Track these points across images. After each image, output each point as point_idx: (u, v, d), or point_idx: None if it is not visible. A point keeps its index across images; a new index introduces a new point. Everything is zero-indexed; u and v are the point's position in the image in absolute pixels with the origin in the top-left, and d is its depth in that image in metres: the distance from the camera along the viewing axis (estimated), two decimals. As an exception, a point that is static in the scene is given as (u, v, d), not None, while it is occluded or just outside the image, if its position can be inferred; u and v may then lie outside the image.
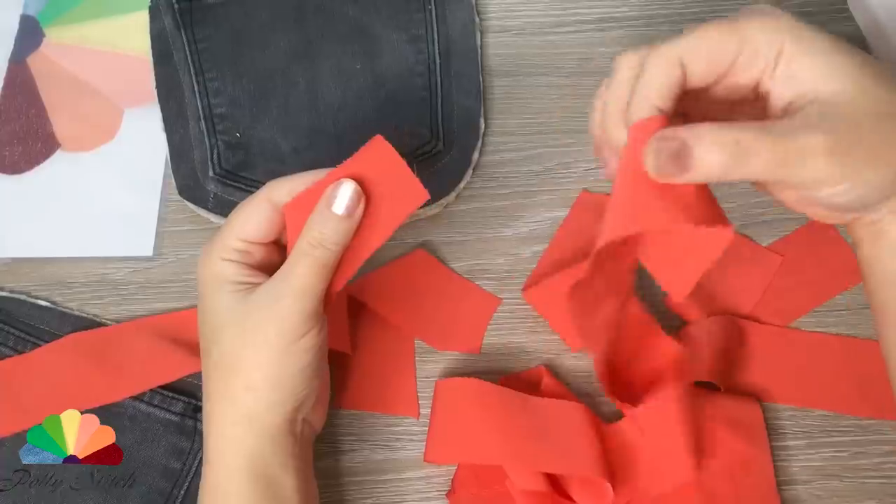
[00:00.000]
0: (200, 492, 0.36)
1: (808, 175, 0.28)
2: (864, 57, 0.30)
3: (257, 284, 0.35)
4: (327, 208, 0.34)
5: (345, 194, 0.34)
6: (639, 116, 0.30)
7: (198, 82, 0.50)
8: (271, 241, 0.37)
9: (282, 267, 0.35)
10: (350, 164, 0.36)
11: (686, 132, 0.28)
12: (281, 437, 0.35)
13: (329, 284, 0.36)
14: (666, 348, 0.41)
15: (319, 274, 0.34)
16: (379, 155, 0.35)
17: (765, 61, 0.30)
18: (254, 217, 0.36)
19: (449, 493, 0.42)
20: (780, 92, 0.30)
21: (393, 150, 0.35)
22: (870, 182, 0.29)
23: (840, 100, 0.29)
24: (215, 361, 0.36)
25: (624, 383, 0.41)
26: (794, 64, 0.30)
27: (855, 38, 0.52)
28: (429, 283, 0.46)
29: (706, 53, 0.30)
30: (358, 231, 0.35)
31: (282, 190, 0.36)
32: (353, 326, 0.45)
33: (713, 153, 0.28)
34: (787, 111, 0.30)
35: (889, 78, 0.30)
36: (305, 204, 0.35)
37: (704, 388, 0.42)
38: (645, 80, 0.30)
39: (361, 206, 0.35)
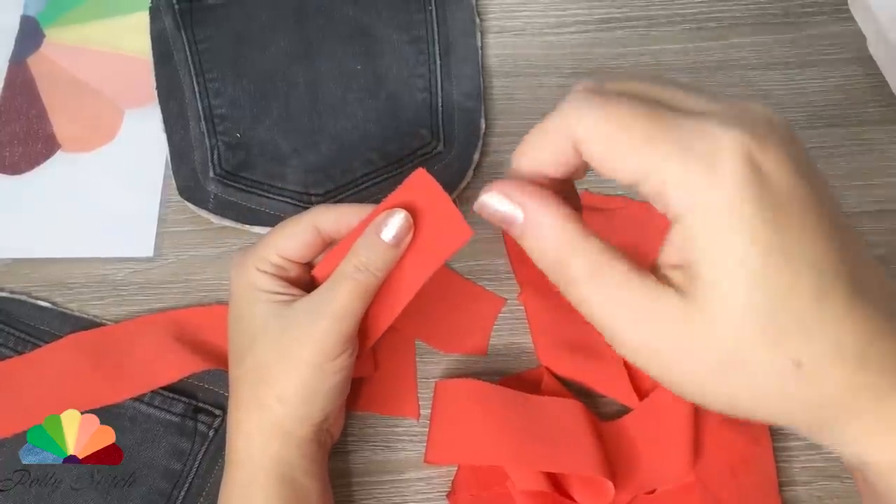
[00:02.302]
0: (224, 491, 0.36)
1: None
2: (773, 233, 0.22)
3: (293, 297, 0.36)
4: (376, 235, 0.35)
5: (395, 223, 0.35)
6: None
7: (198, 83, 0.50)
8: (306, 262, 0.38)
9: (322, 286, 0.36)
10: (394, 197, 0.36)
11: (531, 204, 0.25)
12: (306, 445, 0.36)
13: (370, 321, 0.36)
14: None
15: (360, 298, 0.35)
16: (422, 188, 0.35)
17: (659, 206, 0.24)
18: (296, 236, 0.36)
19: (449, 494, 0.42)
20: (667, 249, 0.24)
21: (436, 183, 0.35)
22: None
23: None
24: (248, 369, 0.36)
25: (631, 379, 0.42)
26: (680, 227, 0.23)
27: (855, 38, 0.52)
28: (431, 284, 0.46)
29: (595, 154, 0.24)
30: (398, 265, 0.36)
31: (328, 216, 0.37)
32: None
33: (541, 246, 0.25)
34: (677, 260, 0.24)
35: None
36: (353, 236, 0.36)
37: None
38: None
39: (409, 237, 0.35)
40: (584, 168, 0.26)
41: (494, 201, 0.26)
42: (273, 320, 0.35)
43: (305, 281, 0.38)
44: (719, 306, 0.22)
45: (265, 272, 0.36)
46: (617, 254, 0.24)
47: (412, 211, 0.35)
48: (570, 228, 0.25)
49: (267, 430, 0.35)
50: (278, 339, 0.35)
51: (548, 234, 0.25)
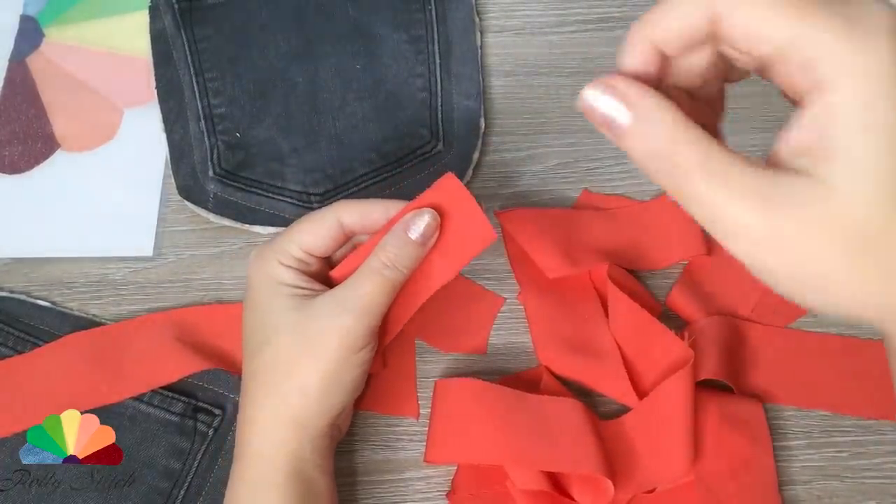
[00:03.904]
0: (232, 486, 0.36)
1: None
2: None
3: (314, 292, 0.36)
4: (405, 232, 0.36)
5: (423, 222, 0.36)
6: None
7: (198, 82, 0.50)
8: (326, 257, 0.38)
9: (347, 281, 0.36)
10: (423, 198, 0.37)
11: (639, 95, 0.24)
12: (319, 439, 0.36)
13: (389, 318, 0.37)
14: (671, 346, 0.41)
15: (386, 293, 0.36)
16: (450, 191, 0.37)
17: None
18: (320, 231, 0.37)
19: (449, 494, 0.42)
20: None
21: (464, 188, 0.36)
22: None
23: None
24: (267, 361, 0.36)
25: (630, 379, 0.42)
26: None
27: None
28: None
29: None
30: (421, 264, 0.37)
31: (352, 212, 0.37)
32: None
33: (643, 145, 0.24)
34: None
35: None
36: (375, 240, 0.37)
37: (707, 387, 0.42)
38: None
39: (435, 236, 0.36)
40: (703, 46, 0.25)
41: (598, 94, 0.24)
42: (295, 313, 0.36)
43: (324, 276, 0.38)
44: (854, 177, 0.21)
45: (288, 266, 0.37)
46: (725, 145, 0.23)
47: (439, 212, 0.36)
48: (680, 118, 0.23)
49: (284, 423, 0.35)
50: (301, 332, 0.35)
51: (657, 126, 0.23)
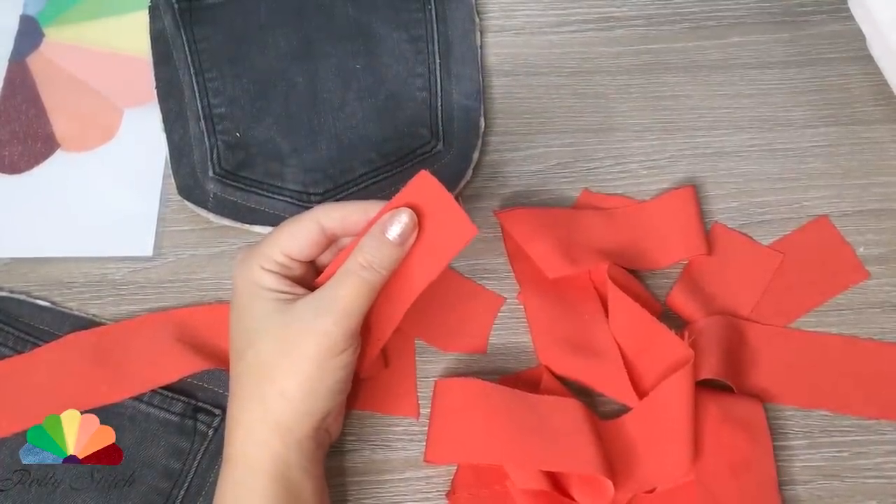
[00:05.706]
0: (220, 487, 0.36)
1: None
2: None
3: (296, 296, 0.36)
4: (382, 233, 0.36)
5: (400, 222, 0.36)
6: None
7: (197, 82, 0.50)
8: (310, 261, 0.38)
9: (326, 284, 0.36)
10: (400, 197, 0.36)
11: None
12: (305, 443, 0.36)
13: (377, 320, 0.37)
14: (671, 346, 0.41)
15: (364, 295, 0.35)
16: (426, 189, 0.36)
17: None
18: (301, 235, 0.37)
19: (449, 493, 0.42)
20: None
21: (439, 184, 0.36)
22: None
23: None
24: (249, 364, 0.36)
25: (630, 378, 0.42)
26: None
27: (854, 38, 0.52)
28: (431, 283, 0.47)
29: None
30: (404, 265, 0.36)
31: (333, 215, 0.37)
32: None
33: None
34: None
35: None
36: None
37: (707, 387, 0.42)
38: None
39: (413, 236, 0.36)
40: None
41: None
42: (276, 316, 0.36)
43: (309, 280, 0.38)
44: None
45: (270, 271, 0.36)
46: None
47: (417, 212, 0.36)
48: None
49: (267, 426, 0.35)
50: (281, 335, 0.35)
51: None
